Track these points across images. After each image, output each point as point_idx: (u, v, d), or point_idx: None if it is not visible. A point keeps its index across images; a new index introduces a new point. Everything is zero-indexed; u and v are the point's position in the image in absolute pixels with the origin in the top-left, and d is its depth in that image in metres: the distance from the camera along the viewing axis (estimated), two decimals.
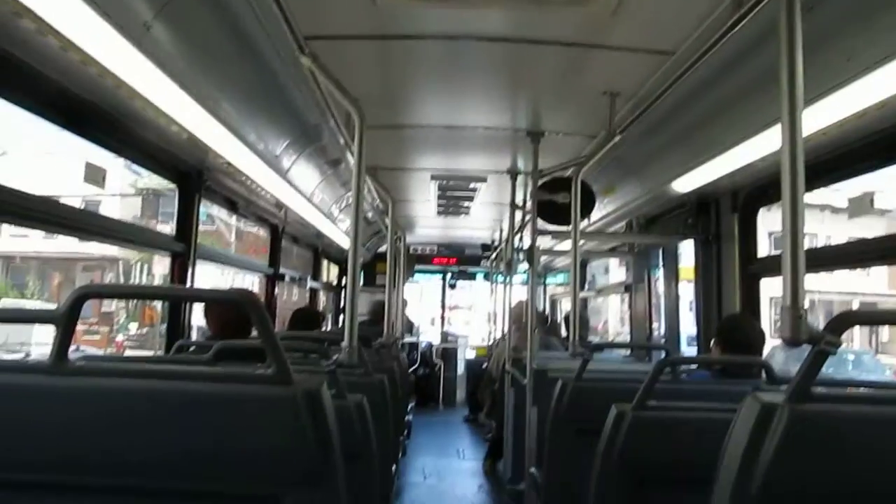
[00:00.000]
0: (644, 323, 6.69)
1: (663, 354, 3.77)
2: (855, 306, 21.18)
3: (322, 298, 9.87)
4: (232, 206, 5.26)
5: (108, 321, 23.41)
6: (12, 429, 1.52)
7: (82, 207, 4.21)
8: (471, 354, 12.82)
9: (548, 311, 12.15)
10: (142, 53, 2.53)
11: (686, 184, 4.52)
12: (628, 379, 3.53)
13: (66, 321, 1.52)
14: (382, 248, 10.98)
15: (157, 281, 21.44)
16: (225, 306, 3.52)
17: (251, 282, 7.90)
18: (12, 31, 2.28)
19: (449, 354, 12.40)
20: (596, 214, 6.34)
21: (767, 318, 4.78)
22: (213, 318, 3.65)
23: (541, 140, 4.90)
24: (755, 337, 3.53)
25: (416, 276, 12.88)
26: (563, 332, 8.08)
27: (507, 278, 7.46)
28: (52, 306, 1.62)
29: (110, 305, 22.93)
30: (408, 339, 11.08)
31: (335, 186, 6.50)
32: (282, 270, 6.67)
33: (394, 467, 4.63)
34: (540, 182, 5.07)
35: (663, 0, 2.93)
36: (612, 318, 20.59)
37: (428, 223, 9.80)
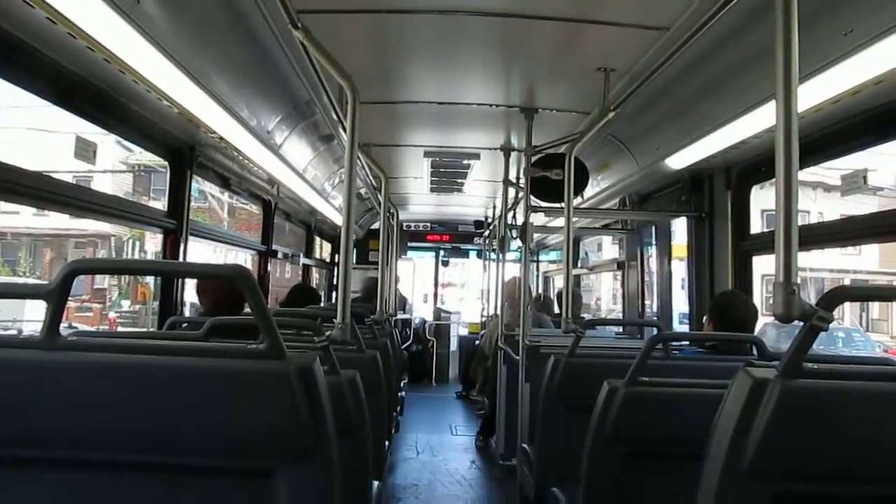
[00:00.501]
0: (637, 300, 6.71)
1: (656, 331, 3.78)
2: (846, 284, 21.28)
3: (315, 275, 9.86)
4: (224, 182, 5.24)
5: (101, 298, 23.39)
6: (4, 404, 1.52)
7: (73, 183, 4.17)
8: (464, 331, 12.86)
9: (541, 288, 12.18)
10: (131, 26, 2.49)
11: (680, 160, 4.52)
12: (620, 355, 3.55)
13: (57, 296, 1.51)
14: (375, 225, 10.97)
15: (150, 257, 21.39)
16: (217, 282, 3.51)
17: (244, 259, 7.88)
18: None
19: (442, 331, 12.43)
20: (589, 191, 6.34)
21: (759, 295, 4.80)
22: (205, 294, 3.64)
23: (534, 116, 4.88)
24: (748, 314, 3.54)
25: (410, 253, 12.88)
26: (556, 309, 8.12)
27: (500, 255, 7.46)
28: (44, 283, 1.61)
29: (102, 282, 22.90)
30: (401, 315, 11.09)
31: (328, 162, 6.48)
32: (274, 247, 6.66)
33: (387, 443, 4.66)
34: (534, 159, 5.05)
35: None
36: (605, 295, 20.68)
37: (421, 200, 9.79)
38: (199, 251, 4.93)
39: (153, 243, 20.00)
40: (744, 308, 3.56)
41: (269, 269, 6.58)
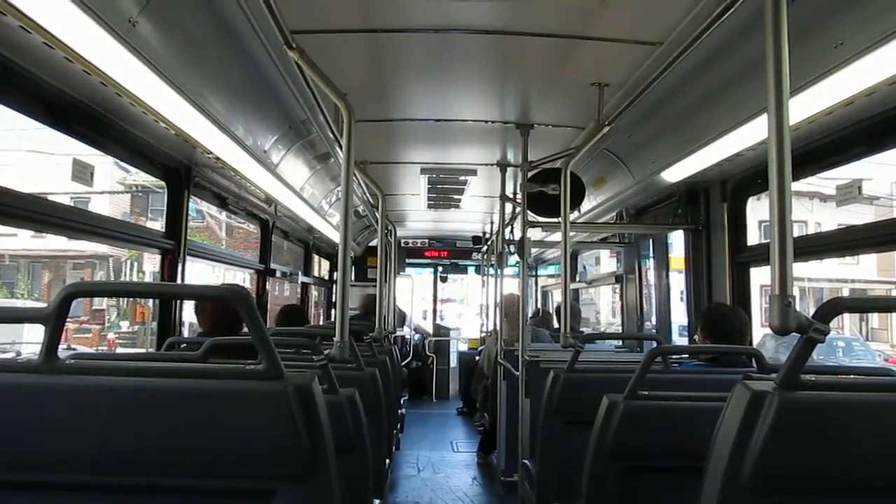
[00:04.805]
0: (635, 313, 6.71)
1: (655, 344, 3.78)
2: (845, 293, 21.33)
3: (314, 293, 9.85)
4: (221, 201, 5.25)
5: (99, 319, 23.33)
6: (2, 429, 1.52)
7: (71, 205, 4.18)
8: (463, 347, 12.84)
9: (539, 302, 12.18)
10: (127, 50, 2.52)
11: (675, 174, 4.53)
12: (620, 369, 3.54)
13: (54, 320, 1.51)
14: (374, 242, 10.97)
15: (148, 278, 21.36)
16: (215, 303, 3.51)
17: (242, 277, 7.88)
18: None
19: (441, 347, 12.39)
20: (586, 205, 6.35)
21: (758, 306, 4.80)
22: (204, 314, 3.64)
23: (530, 132, 4.90)
24: (741, 324, 3.54)
25: (408, 269, 12.87)
26: (555, 324, 8.11)
27: (499, 270, 7.46)
28: (42, 305, 1.61)
29: (101, 303, 22.85)
30: (400, 332, 11.06)
31: (325, 181, 6.49)
32: (273, 266, 6.66)
33: (387, 461, 4.64)
34: (530, 174, 5.07)
35: None
36: (605, 308, 20.68)
37: (419, 216, 9.79)
38: (197, 269, 4.93)
39: (151, 263, 19.99)
40: (735, 319, 3.57)
41: (267, 287, 6.57)
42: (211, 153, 3.87)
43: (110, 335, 22.69)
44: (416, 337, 12.72)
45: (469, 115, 4.84)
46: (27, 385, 1.53)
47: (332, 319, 7.41)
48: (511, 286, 10.64)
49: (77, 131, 3.24)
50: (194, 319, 3.83)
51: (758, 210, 4.59)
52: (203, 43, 3.21)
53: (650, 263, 6.51)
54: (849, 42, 2.56)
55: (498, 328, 6.69)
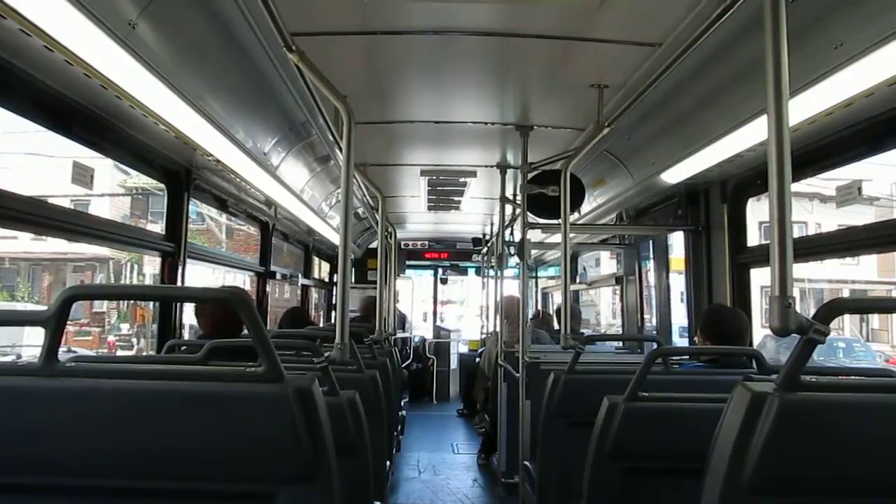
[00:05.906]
0: (636, 314, 6.71)
1: (655, 346, 3.77)
2: (846, 294, 21.33)
3: (314, 296, 9.85)
4: (221, 204, 5.25)
5: (100, 321, 23.31)
6: (3, 432, 1.52)
7: (71, 208, 4.18)
8: (464, 349, 12.83)
9: (539, 304, 12.17)
10: (127, 52, 2.52)
11: (675, 175, 4.53)
12: (620, 371, 3.54)
13: (55, 323, 1.51)
14: (374, 244, 10.97)
15: (148, 280, 21.36)
16: (215, 305, 3.51)
17: (242, 280, 7.87)
18: None
19: (442, 349, 12.39)
20: (586, 207, 6.35)
21: (758, 307, 4.80)
22: (204, 317, 3.64)
23: (530, 134, 4.90)
24: (740, 326, 3.54)
25: (408, 271, 12.86)
26: (556, 325, 8.10)
27: (499, 272, 7.46)
28: (43, 308, 1.61)
29: (101, 306, 22.82)
30: (400, 334, 11.05)
31: (325, 183, 6.49)
32: (273, 268, 6.66)
33: (388, 463, 4.64)
34: (530, 175, 5.07)
35: None
36: (605, 310, 20.67)
37: (419, 218, 9.79)
38: (197, 272, 4.93)
39: (152, 266, 19.98)
40: (735, 320, 3.56)
41: (267, 290, 6.57)
42: (211, 156, 3.88)
43: (111, 338, 22.68)
44: (416, 339, 12.71)
45: (469, 116, 4.84)
46: (27, 388, 1.53)
47: (333, 321, 7.41)
48: (511, 288, 10.65)
49: (77, 134, 3.24)
50: (194, 322, 3.83)
51: (758, 211, 4.59)
52: (203, 45, 3.21)
53: (650, 265, 6.51)
54: (848, 43, 2.56)
55: (498, 330, 6.69)
